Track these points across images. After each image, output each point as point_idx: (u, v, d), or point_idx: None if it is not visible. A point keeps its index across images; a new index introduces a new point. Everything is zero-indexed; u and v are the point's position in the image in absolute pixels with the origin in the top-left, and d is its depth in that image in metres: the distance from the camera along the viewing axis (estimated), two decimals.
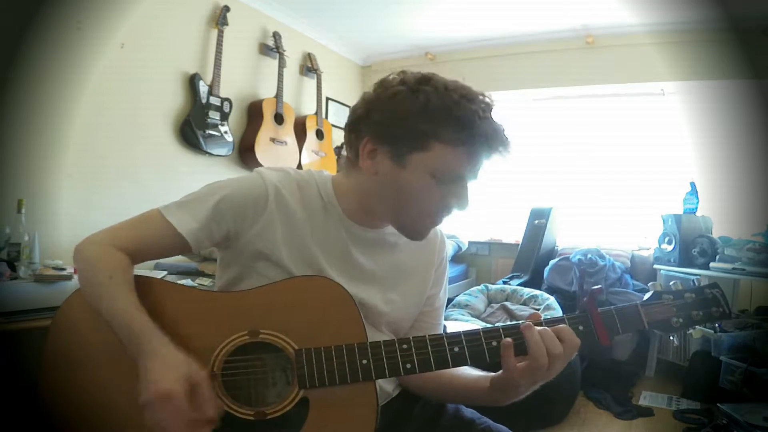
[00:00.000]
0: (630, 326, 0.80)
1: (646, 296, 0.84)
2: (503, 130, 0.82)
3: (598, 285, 0.87)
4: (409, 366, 0.77)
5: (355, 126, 0.86)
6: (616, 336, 0.79)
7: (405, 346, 0.78)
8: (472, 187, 0.85)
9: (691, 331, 0.83)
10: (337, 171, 0.96)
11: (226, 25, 2.73)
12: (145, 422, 0.69)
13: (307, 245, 0.88)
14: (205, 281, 2.10)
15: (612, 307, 0.81)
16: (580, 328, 0.79)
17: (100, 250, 0.81)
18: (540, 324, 0.77)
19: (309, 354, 0.77)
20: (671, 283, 0.85)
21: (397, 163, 0.82)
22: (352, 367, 0.76)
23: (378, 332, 0.93)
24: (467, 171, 0.82)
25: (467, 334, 0.78)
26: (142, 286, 0.80)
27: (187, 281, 2.01)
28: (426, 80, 0.81)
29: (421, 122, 0.79)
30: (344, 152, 0.92)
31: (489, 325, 0.81)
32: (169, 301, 0.80)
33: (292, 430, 0.76)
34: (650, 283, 0.85)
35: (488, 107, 0.81)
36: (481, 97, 0.81)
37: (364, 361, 0.76)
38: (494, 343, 0.78)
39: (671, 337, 0.83)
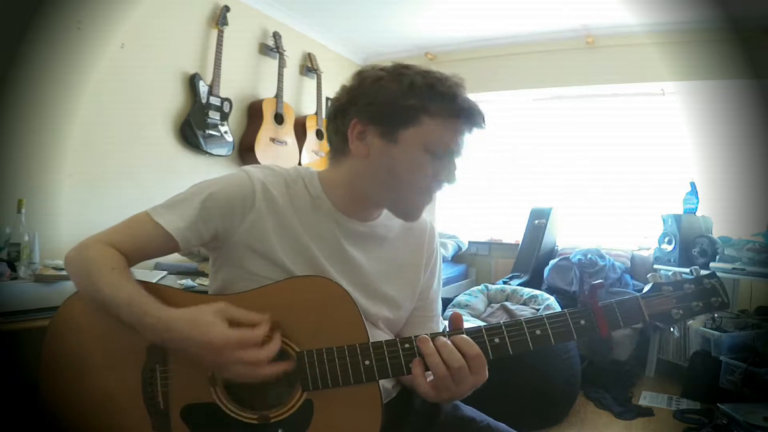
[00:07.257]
0: (631, 319, 0.81)
1: (646, 288, 0.84)
2: (477, 105, 0.87)
3: (599, 280, 0.88)
4: (412, 366, 0.76)
5: (340, 113, 0.88)
6: (619, 330, 0.79)
7: (407, 346, 0.77)
8: (459, 162, 0.90)
9: (690, 321, 0.83)
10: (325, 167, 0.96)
11: (226, 25, 2.73)
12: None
13: (299, 237, 0.88)
14: (205, 281, 2.10)
15: (613, 300, 0.81)
16: (582, 322, 0.79)
17: (98, 248, 0.82)
18: (460, 331, 0.77)
19: (311, 356, 0.76)
20: (671, 273, 0.85)
21: (388, 141, 0.84)
22: (355, 369, 0.76)
23: (376, 329, 0.93)
24: (455, 144, 0.86)
25: (470, 331, 0.77)
26: None
27: (187, 281, 2.01)
28: (405, 66, 0.86)
29: (409, 99, 0.83)
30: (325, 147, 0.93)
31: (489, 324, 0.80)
32: (167, 304, 0.79)
33: None
34: (650, 275, 0.85)
35: (462, 85, 0.86)
36: (454, 79, 0.86)
37: (367, 362, 0.76)
38: (496, 340, 0.77)
39: (672, 329, 0.82)
